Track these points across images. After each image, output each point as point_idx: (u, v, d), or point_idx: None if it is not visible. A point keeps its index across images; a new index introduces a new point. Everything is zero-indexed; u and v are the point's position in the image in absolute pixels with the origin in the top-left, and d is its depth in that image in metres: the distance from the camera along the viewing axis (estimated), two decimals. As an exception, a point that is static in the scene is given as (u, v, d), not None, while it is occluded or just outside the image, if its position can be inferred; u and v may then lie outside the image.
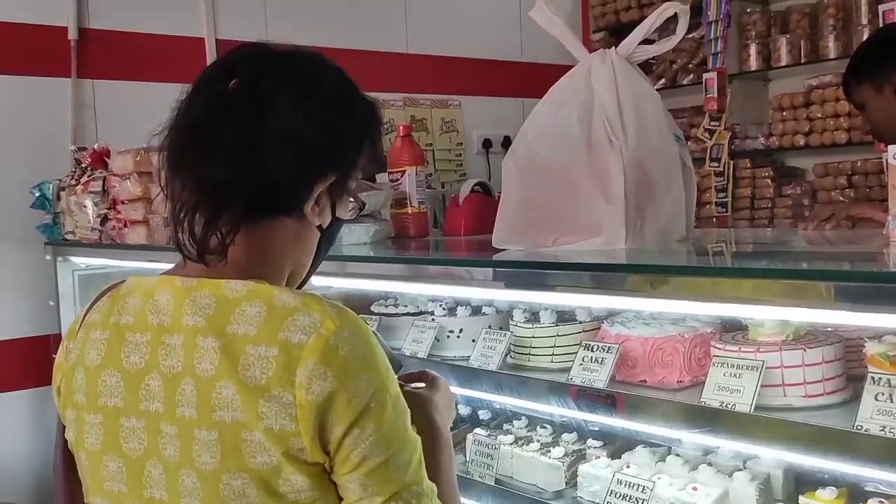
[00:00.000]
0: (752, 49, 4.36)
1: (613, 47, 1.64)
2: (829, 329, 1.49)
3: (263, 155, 1.00)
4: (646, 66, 3.46)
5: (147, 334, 0.98)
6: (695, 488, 1.57)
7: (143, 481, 0.97)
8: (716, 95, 3.97)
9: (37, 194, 3.19)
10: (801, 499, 1.51)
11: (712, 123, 4.10)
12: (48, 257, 3.26)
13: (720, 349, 1.48)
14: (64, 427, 1.08)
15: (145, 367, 0.98)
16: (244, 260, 1.01)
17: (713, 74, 3.99)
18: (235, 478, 0.91)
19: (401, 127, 2.38)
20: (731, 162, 4.19)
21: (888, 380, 1.23)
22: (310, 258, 1.11)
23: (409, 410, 0.99)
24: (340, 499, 0.96)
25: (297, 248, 1.08)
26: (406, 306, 2.24)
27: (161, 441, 0.96)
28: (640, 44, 1.63)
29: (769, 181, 4.27)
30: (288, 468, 0.91)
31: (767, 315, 1.42)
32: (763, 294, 1.22)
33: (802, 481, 1.63)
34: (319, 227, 1.08)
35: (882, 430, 1.19)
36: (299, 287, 1.12)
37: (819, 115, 4.09)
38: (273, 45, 1.08)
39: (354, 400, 0.91)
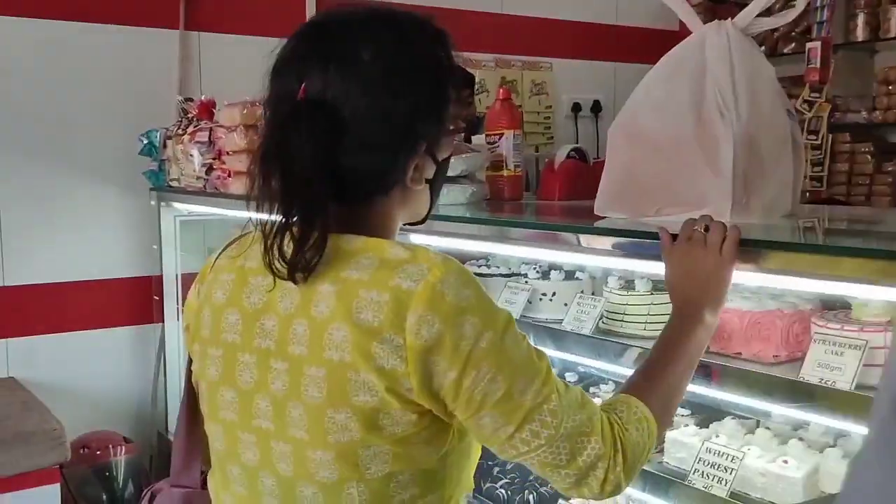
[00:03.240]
0: (860, 19, 4.20)
1: (730, 18, 1.62)
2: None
3: (345, 167, 1.01)
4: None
5: (267, 277, 1.03)
6: (785, 461, 1.58)
7: (252, 412, 1.04)
8: (818, 66, 3.84)
9: (144, 142, 3.34)
10: (894, 479, 1.51)
11: (812, 95, 3.98)
12: (152, 203, 3.42)
13: (822, 326, 1.48)
14: (190, 360, 1.17)
15: (262, 307, 1.04)
16: (358, 228, 1.05)
17: (817, 44, 3.85)
18: (339, 412, 0.97)
19: (500, 90, 2.40)
20: (830, 136, 4.07)
21: None
22: (424, 207, 1.14)
23: (524, 336, 1.02)
24: (438, 446, 1.01)
25: (405, 210, 1.12)
26: (498, 267, 2.29)
27: (270, 376, 1.02)
28: (757, 15, 1.61)
29: (869, 157, 4.14)
30: (392, 405, 0.96)
31: (872, 294, 1.41)
32: (867, 274, 1.21)
33: (895, 462, 1.63)
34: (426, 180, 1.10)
35: None
36: (424, 219, 1.16)
37: (927, 91, 3.93)
38: (353, 10, 1.06)
39: (462, 343, 0.95)
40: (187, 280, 3.00)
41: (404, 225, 1.15)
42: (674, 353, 1.21)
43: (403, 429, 0.98)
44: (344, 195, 1.04)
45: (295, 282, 1.01)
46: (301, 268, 1.00)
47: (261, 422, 1.03)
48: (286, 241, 1.00)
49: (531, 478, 2.16)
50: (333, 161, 1.01)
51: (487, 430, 1.00)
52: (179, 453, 1.26)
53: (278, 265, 1.01)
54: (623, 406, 1.10)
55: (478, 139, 2.45)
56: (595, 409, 1.06)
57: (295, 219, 1.00)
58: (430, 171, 1.10)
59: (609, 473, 1.03)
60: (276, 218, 1.01)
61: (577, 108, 4.70)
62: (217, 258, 1.15)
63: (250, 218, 1.05)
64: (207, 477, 1.18)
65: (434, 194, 1.14)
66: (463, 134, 2.36)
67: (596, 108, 4.71)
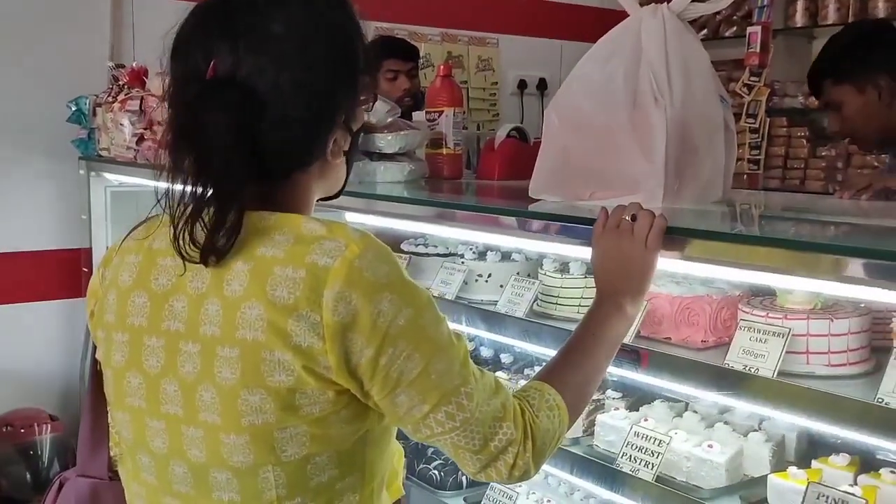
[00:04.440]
0: (800, 4, 4.26)
1: (666, 2, 1.62)
2: (859, 300, 1.50)
3: (265, 145, 0.98)
4: (690, 17, 3.39)
5: (176, 258, 1.00)
6: (710, 445, 1.60)
7: (159, 397, 1.01)
8: (758, 50, 3.87)
9: (73, 108, 3.22)
10: (815, 463, 1.55)
11: (752, 79, 4.02)
12: (82, 172, 3.31)
13: (748, 313, 1.50)
14: (94, 347, 1.13)
15: (171, 288, 1.01)
16: (273, 205, 1.02)
17: (757, 28, 3.88)
18: (254, 393, 0.94)
19: (441, 66, 2.36)
20: (768, 119, 4.13)
21: (914, 356, 1.25)
22: (341, 180, 1.12)
23: (444, 318, 1.01)
24: (357, 426, 0.99)
25: (323, 184, 1.10)
26: (436, 247, 2.27)
27: (179, 359, 0.99)
28: (692, 1, 1.61)
29: (804, 142, 4.22)
30: (309, 384, 0.94)
31: (796, 285, 1.43)
32: (794, 265, 1.22)
33: (816, 445, 1.67)
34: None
35: (903, 404, 1.21)
36: (339, 193, 1.14)
37: (862, 78, 4.01)
38: None
39: (379, 320, 0.94)
40: (118, 253, 2.90)
41: (319, 201, 1.12)
42: (591, 342, 1.21)
43: (321, 408, 0.96)
44: (263, 174, 1.00)
45: (206, 265, 0.98)
46: (214, 252, 0.96)
47: (169, 407, 1.00)
48: (198, 225, 0.97)
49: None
50: (251, 140, 0.97)
51: (402, 408, 0.98)
52: (85, 442, 1.22)
53: (189, 250, 0.97)
54: (536, 393, 1.10)
55: (419, 115, 2.42)
56: (508, 395, 1.06)
57: (209, 201, 0.96)
58: (345, 143, 1.08)
59: (518, 459, 1.03)
60: (187, 200, 0.97)
61: (522, 85, 4.68)
62: (123, 241, 1.10)
63: (158, 200, 1.01)
64: (118, 466, 1.14)
65: (349, 166, 1.12)
66: (401, 110, 2.32)
67: (542, 85, 4.70)
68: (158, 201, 1.01)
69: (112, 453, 1.23)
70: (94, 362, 1.15)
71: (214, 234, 0.96)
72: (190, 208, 0.97)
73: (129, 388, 1.04)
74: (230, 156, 0.96)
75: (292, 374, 0.94)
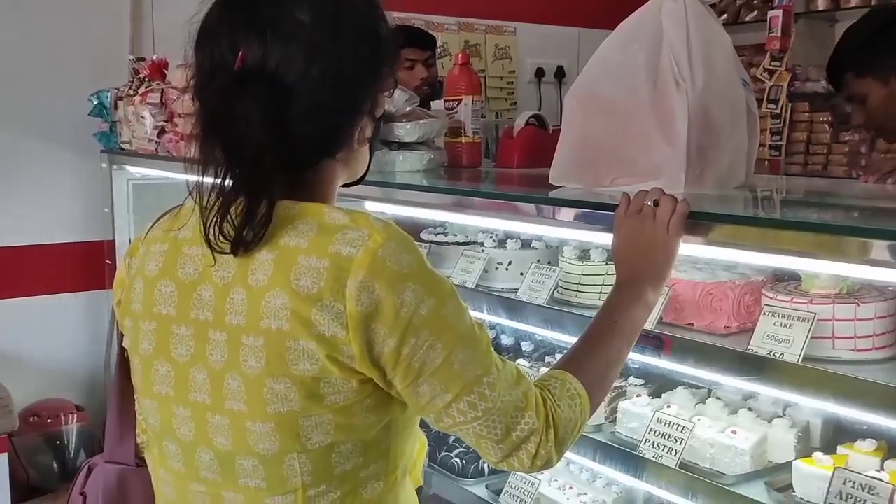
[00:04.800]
0: (822, -13, 4.20)
1: (687, -14, 1.60)
2: (885, 284, 1.48)
3: (296, 135, 0.99)
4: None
5: (202, 247, 1.00)
6: (734, 432, 1.59)
7: (188, 385, 1.01)
8: (779, 34, 3.83)
9: (94, 102, 3.25)
10: (840, 449, 1.54)
11: (773, 63, 3.98)
12: (104, 165, 3.34)
13: (772, 298, 1.48)
14: (122, 335, 1.14)
15: (199, 277, 1.01)
16: (298, 193, 1.03)
17: (778, 12, 3.84)
18: (278, 382, 0.95)
19: (459, 55, 2.36)
20: (790, 104, 4.08)
21: (941, 340, 1.24)
22: (364, 166, 1.13)
23: (466, 308, 1.01)
24: (381, 415, 1.00)
25: (346, 172, 1.10)
26: (455, 235, 2.27)
27: (208, 348, 1.00)
28: (714, -17, 1.59)
29: (826, 126, 4.17)
30: (333, 373, 0.94)
31: (822, 269, 1.42)
32: (819, 249, 1.21)
33: (841, 431, 1.65)
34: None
35: (931, 389, 1.20)
36: (361, 179, 1.14)
37: (886, 61, 3.95)
38: None
39: (402, 310, 0.94)
40: (140, 245, 2.93)
41: (342, 186, 1.12)
42: (612, 329, 1.21)
43: (345, 397, 0.96)
44: (293, 164, 1.01)
45: (235, 256, 0.98)
46: (244, 244, 0.97)
47: (197, 395, 1.01)
48: (227, 216, 0.97)
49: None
50: (281, 131, 0.98)
51: (425, 398, 0.99)
52: (113, 429, 1.23)
53: (220, 242, 0.97)
54: (557, 382, 1.10)
55: (437, 104, 2.42)
56: (529, 385, 1.06)
57: (239, 193, 0.97)
58: (369, 130, 1.08)
59: (540, 448, 1.03)
60: (217, 192, 0.98)
61: (540, 73, 4.66)
62: (149, 230, 1.12)
63: (189, 192, 1.01)
64: (144, 453, 1.15)
65: (371, 153, 1.13)
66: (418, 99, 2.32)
67: (559, 73, 4.68)
68: (190, 193, 1.01)
69: (139, 440, 1.24)
70: (122, 350, 1.16)
71: (245, 226, 0.96)
72: (220, 200, 0.97)
73: (157, 376, 1.05)
74: (261, 148, 0.96)
75: (316, 364, 0.94)
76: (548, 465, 1.05)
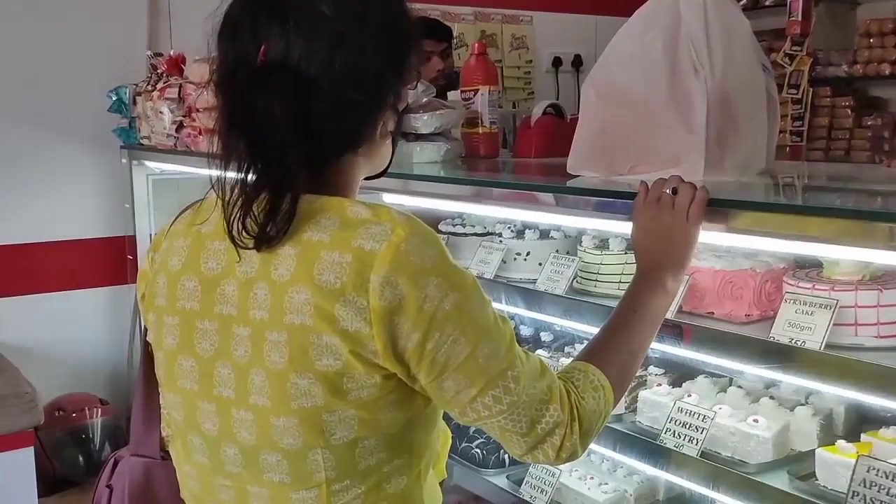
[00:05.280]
0: (843, -30, 4.14)
1: (705, -29, 1.58)
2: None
3: (320, 129, 0.98)
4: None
5: (225, 242, 1.00)
6: (755, 420, 1.58)
7: (212, 380, 1.02)
8: (800, 19, 3.78)
9: (113, 98, 3.27)
10: (864, 436, 1.52)
11: (794, 48, 3.94)
12: (124, 161, 3.36)
13: (793, 286, 1.47)
14: (146, 329, 1.14)
15: (222, 272, 1.01)
16: (320, 186, 1.02)
17: (799, -4, 3.80)
18: (302, 377, 0.95)
19: (475, 45, 2.34)
20: (811, 89, 4.04)
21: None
22: (386, 160, 1.12)
23: (489, 301, 1.01)
24: (405, 410, 0.99)
25: (369, 165, 1.10)
26: (473, 226, 2.27)
27: (232, 343, 0.99)
28: (732, -32, 1.57)
29: (849, 111, 4.13)
30: (357, 368, 0.94)
31: (844, 255, 1.40)
32: (841, 234, 1.20)
33: (865, 419, 1.64)
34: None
35: (956, 375, 1.18)
36: (384, 173, 1.14)
37: (909, 44, 3.90)
38: None
39: (426, 305, 0.94)
40: (161, 240, 2.95)
41: (364, 179, 1.12)
42: (633, 319, 1.20)
43: (369, 392, 0.96)
44: (316, 158, 1.01)
45: (259, 251, 0.98)
46: (267, 240, 0.97)
47: (221, 390, 1.01)
48: (251, 212, 0.97)
49: (506, 436, 2.16)
50: (305, 125, 0.97)
51: (449, 392, 0.98)
52: (138, 422, 1.24)
53: (244, 237, 0.97)
54: (580, 374, 1.10)
55: (453, 95, 2.41)
56: (553, 378, 1.05)
57: (262, 187, 0.97)
58: (392, 124, 1.08)
59: (565, 441, 1.03)
60: (240, 186, 0.98)
61: (557, 62, 4.64)
62: (171, 225, 1.12)
63: (212, 186, 1.01)
64: (169, 447, 1.16)
65: (394, 146, 1.12)
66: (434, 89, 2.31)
67: (577, 62, 4.65)
68: (212, 186, 1.01)
69: (164, 433, 1.25)
70: (146, 344, 1.16)
71: (269, 221, 0.96)
72: (244, 196, 0.97)
73: (181, 370, 1.05)
74: (285, 142, 0.96)
75: (340, 359, 0.94)
76: (573, 457, 1.05)
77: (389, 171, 1.14)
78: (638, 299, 1.22)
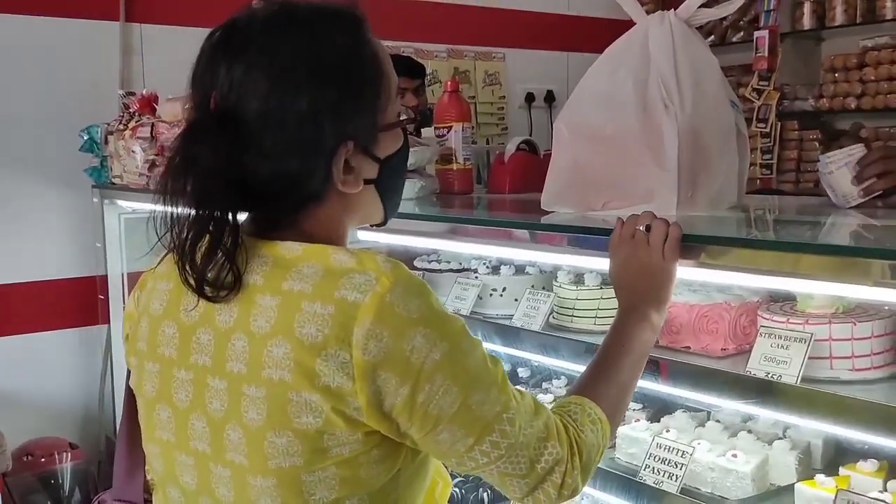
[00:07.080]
0: (807, 7, 4.24)
1: (672, 9, 1.61)
2: (881, 303, 1.48)
3: (253, 176, 0.97)
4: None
5: None
6: (734, 455, 1.58)
7: (188, 433, 0.99)
8: (766, 54, 3.88)
9: (85, 137, 3.24)
10: (842, 469, 1.52)
11: (761, 83, 4.02)
12: (95, 200, 3.32)
13: (768, 319, 1.48)
14: (129, 372, 1.11)
15: (199, 320, 0.99)
16: (301, 236, 1.00)
17: (764, 32, 3.89)
18: (280, 436, 0.92)
19: (448, 82, 2.36)
20: (779, 123, 4.11)
21: (940, 358, 1.23)
22: (375, 209, 1.07)
23: (479, 343, 0.99)
24: (389, 466, 0.97)
25: (353, 215, 1.06)
26: (448, 263, 2.26)
27: (207, 395, 0.97)
28: (699, 7, 1.60)
29: (816, 144, 4.20)
30: (338, 426, 0.91)
31: (817, 289, 1.41)
32: (814, 269, 1.20)
33: (843, 452, 1.64)
34: (366, 181, 1.03)
35: (931, 408, 1.19)
36: (385, 221, 1.11)
37: (872, 78, 4.00)
38: (262, 7, 1.00)
39: (413, 357, 0.91)
40: (133, 279, 2.90)
41: (372, 226, 1.10)
42: (622, 354, 1.20)
43: (351, 449, 0.93)
44: (262, 205, 0.99)
45: (208, 298, 0.96)
46: (210, 284, 0.94)
47: (198, 444, 0.98)
48: (197, 255, 0.96)
49: (485, 475, 2.13)
50: (236, 171, 0.95)
51: (445, 444, 0.96)
52: (121, 466, 1.21)
53: (191, 280, 0.96)
54: (577, 408, 1.08)
55: (427, 132, 2.42)
56: (549, 414, 1.04)
57: (202, 233, 0.95)
58: (369, 172, 1.03)
59: (567, 477, 1.01)
60: (179, 228, 0.96)
61: (530, 98, 4.68)
62: (158, 264, 1.08)
63: (165, 232, 0.99)
64: (152, 495, 1.13)
65: (384, 194, 1.07)
66: (411, 127, 2.32)
67: (549, 98, 4.70)
68: (165, 233, 0.98)
69: (148, 477, 1.22)
70: (129, 388, 1.13)
71: (206, 265, 0.94)
72: (188, 239, 0.95)
73: (159, 420, 1.03)
74: (213, 187, 0.94)
75: (320, 416, 0.91)
76: (574, 493, 1.03)
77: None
78: (625, 334, 1.22)
